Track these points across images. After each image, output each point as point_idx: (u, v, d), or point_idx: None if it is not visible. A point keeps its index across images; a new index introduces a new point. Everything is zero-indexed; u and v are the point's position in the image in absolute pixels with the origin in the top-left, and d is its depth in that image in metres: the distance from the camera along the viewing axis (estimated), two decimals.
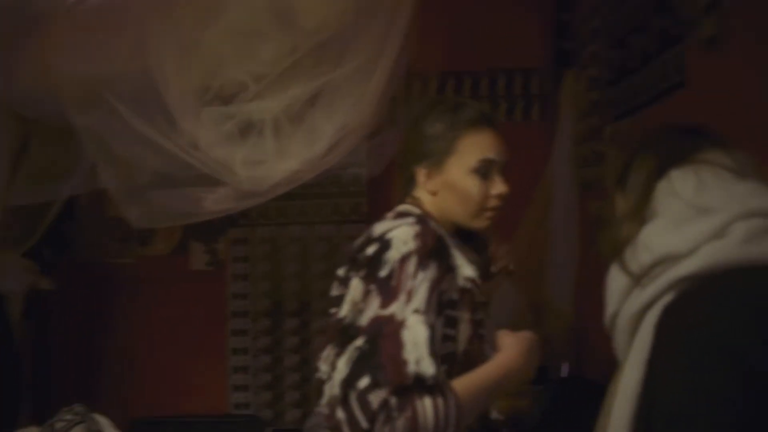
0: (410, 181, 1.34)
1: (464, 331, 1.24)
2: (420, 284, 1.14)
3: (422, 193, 1.33)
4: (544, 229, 3.12)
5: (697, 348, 0.82)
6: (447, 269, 1.20)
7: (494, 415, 1.31)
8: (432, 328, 1.13)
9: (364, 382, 1.06)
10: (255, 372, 3.25)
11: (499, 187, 1.29)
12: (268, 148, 1.61)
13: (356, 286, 1.20)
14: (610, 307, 1.00)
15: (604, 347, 3.01)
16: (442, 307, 1.19)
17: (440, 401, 1.08)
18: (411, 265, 1.15)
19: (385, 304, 1.13)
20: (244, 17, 1.54)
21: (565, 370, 3.00)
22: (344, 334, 1.19)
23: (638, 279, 0.92)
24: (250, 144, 1.62)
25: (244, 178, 1.62)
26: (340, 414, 1.07)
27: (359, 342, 1.12)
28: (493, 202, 1.30)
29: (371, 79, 1.60)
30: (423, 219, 1.25)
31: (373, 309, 1.14)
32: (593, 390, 2.69)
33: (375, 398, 1.05)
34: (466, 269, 1.24)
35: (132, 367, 3.13)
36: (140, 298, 3.18)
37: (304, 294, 3.27)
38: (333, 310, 1.29)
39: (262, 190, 1.66)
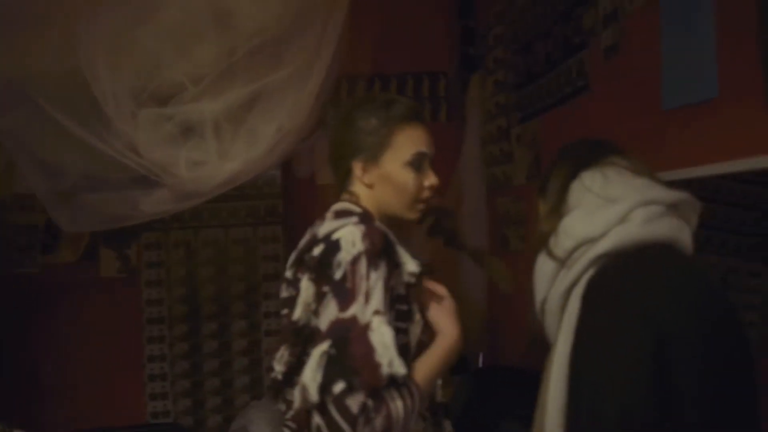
0: (346, 177, 1.36)
1: (417, 322, 1.27)
2: (374, 284, 1.16)
3: (359, 187, 1.35)
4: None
5: (612, 308, 1.00)
6: (394, 266, 1.23)
7: (439, 398, 1.38)
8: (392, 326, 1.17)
9: (339, 387, 1.08)
10: (173, 379, 3.18)
11: (431, 179, 1.35)
12: (209, 149, 1.60)
13: (307, 287, 1.22)
14: (539, 294, 1.16)
15: (515, 336, 3.21)
16: (392, 302, 1.22)
17: (407, 396, 1.14)
18: (362, 266, 1.16)
19: (343, 307, 1.14)
20: (181, 18, 1.52)
21: (481, 359, 3.16)
22: (298, 335, 1.22)
23: (563, 262, 1.10)
24: (191, 145, 1.61)
25: (187, 179, 1.61)
26: (318, 420, 1.09)
27: (324, 346, 1.13)
28: (425, 194, 1.35)
29: (308, 83, 1.63)
30: (365, 217, 1.28)
31: (331, 312, 1.15)
32: (508, 375, 2.87)
33: (353, 402, 1.07)
34: (410, 265, 1.27)
35: (44, 381, 2.98)
36: (49, 308, 3.03)
37: (222, 297, 3.23)
38: (284, 311, 1.30)
39: (205, 191, 1.66)
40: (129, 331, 3.16)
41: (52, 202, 1.71)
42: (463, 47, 3.39)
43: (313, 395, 1.10)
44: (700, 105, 1.54)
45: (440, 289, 1.31)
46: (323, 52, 1.62)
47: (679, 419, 0.95)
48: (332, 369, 1.10)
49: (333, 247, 1.20)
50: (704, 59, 1.49)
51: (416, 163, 1.33)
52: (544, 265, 1.15)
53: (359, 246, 1.18)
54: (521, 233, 2.81)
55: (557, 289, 1.11)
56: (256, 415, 2.82)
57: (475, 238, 3.22)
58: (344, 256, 1.18)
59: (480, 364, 3.16)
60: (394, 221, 1.36)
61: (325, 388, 1.09)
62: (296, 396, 1.17)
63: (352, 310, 1.13)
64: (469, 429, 1.96)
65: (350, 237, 1.19)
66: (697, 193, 1.52)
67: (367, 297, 1.15)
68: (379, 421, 1.09)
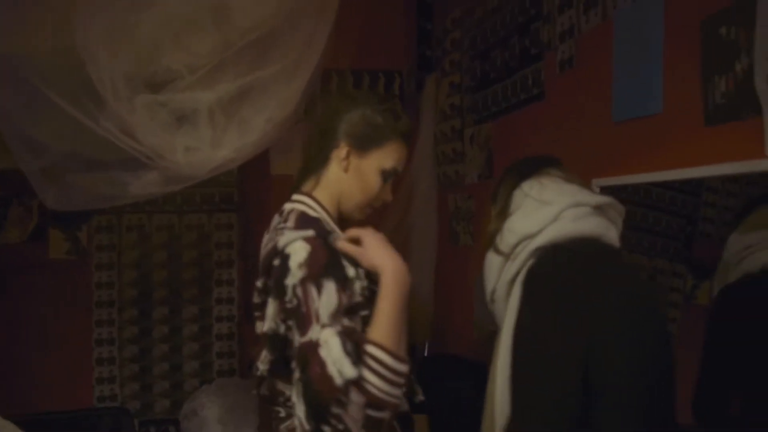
0: (322, 160, 1.44)
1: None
2: (323, 302, 1.24)
3: (332, 171, 1.43)
4: (406, 221, 3.37)
5: (548, 291, 1.19)
6: (344, 278, 1.30)
7: (418, 398, 1.50)
8: (345, 330, 1.24)
9: (321, 414, 1.20)
10: (122, 363, 3.18)
11: (388, 194, 1.48)
12: (203, 137, 1.66)
13: (271, 303, 1.32)
14: (489, 285, 1.36)
15: (460, 326, 3.37)
16: (354, 309, 1.30)
17: (376, 368, 1.21)
18: (309, 288, 1.25)
19: (303, 332, 1.24)
20: (181, 8, 1.56)
21: (426, 349, 3.30)
22: (273, 344, 1.34)
23: (508, 255, 1.30)
24: (185, 132, 1.66)
25: (182, 164, 1.66)
26: None
27: (297, 374, 1.25)
28: (377, 203, 1.48)
29: (296, 77, 1.71)
30: (319, 229, 1.34)
31: (297, 338, 1.26)
32: (453, 364, 3.01)
33: (334, 410, 1.20)
34: (357, 282, 1.34)
35: None
36: None
37: (174, 282, 3.25)
38: (257, 314, 1.40)
39: (199, 176, 1.71)
40: (77, 315, 3.13)
41: (39, 180, 1.72)
42: (420, 48, 3.51)
43: (305, 425, 1.23)
44: (646, 119, 1.70)
45: (360, 231, 1.35)
46: (312, 49, 1.71)
47: (599, 413, 1.10)
48: (307, 396, 1.21)
49: (284, 267, 1.29)
50: (651, 78, 1.66)
51: (387, 175, 1.45)
52: (492, 260, 1.34)
53: (304, 270, 1.26)
54: (470, 229, 2.96)
55: (503, 279, 1.30)
56: (206, 399, 2.88)
57: (426, 232, 3.35)
58: (291, 280, 1.27)
59: (426, 353, 3.30)
60: (343, 217, 1.46)
61: (313, 417, 1.21)
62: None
63: (309, 335, 1.23)
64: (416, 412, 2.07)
65: (297, 258, 1.28)
66: (631, 198, 1.70)
67: (318, 316, 1.23)
68: (356, 411, 1.20)
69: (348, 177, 1.43)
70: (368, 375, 1.21)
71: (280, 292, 1.29)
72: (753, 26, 1.32)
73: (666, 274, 1.76)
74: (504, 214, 1.35)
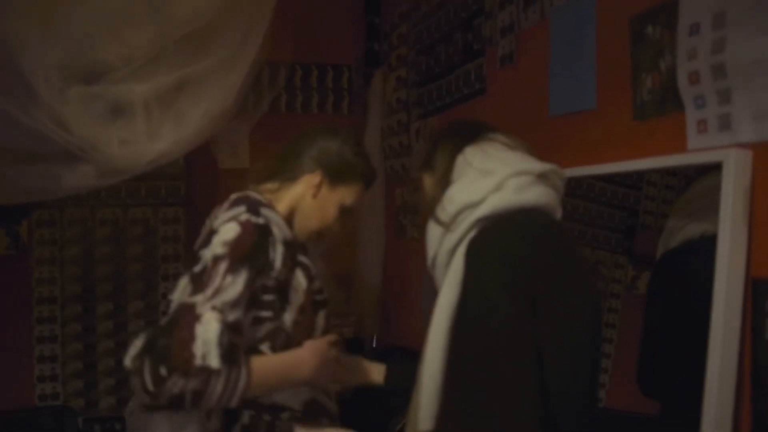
0: (291, 177, 1.49)
1: (293, 307, 1.40)
2: (227, 286, 1.25)
3: (298, 191, 1.49)
4: (353, 213, 3.39)
5: (486, 261, 1.16)
6: (264, 267, 1.33)
7: (322, 398, 1.51)
8: (230, 324, 1.24)
9: (154, 355, 1.17)
10: (65, 360, 3.11)
11: (338, 227, 1.54)
12: (138, 129, 1.63)
13: (185, 276, 1.32)
14: (431, 251, 1.33)
15: (407, 319, 3.40)
16: (257, 296, 1.33)
17: (222, 380, 1.22)
18: (222, 266, 1.27)
19: (191, 294, 1.25)
20: (118, 1, 1.54)
21: (374, 340, 3.33)
22: None
23: (448, 225, 1.27)
24: (120, 124, 1.63)
25: (117, 157, 1.63)
26: (135, 382, 1.19)
27: (160, 325, 1.24)
28: (326, 232, 1.53)
29: (234, 70, 1.71)
30: (254, 208, 1.36)
31: (183, 297, 1.26)
32: (401, 355, 3.05)
33: (153, 374, 1.16)
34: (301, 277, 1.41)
35: None
36: None
37: (119, 277, 3.19)
38: None
39: (134, 169, 1.69)
40: (17, 311, 3.04)
41: None
42: (367, 43, 3.52)
43: (127, 360, 1.20)
44: (581, 114, 1.76)
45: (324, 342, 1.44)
46: (249, 43, 1.70)
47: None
48: (151, 340, 1.19)
49: (208, 241, 1.31)
50: (585, 75, 1.72)
51: (345, 212, 1.53)
52: (432, 229, 1.31)
53: (225, 248, 1.28)
54: (417, 222, 3.00)
55: (444, 247, 1.27)
56: None
57: (374, 226, 3.37)
58: (208, 253, 1.29)
59: (374, 345, 3.33)
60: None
61: (141, 356, 1.18)
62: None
63: (195, 299, 1.24)
64: (363, 405, 2.10)
65: (224, 236, 1.30)
66: (574, 191, 1.75)
67: (214, 294, 1.24)
68: (189, 396, 1.18)
69: (312, 202, 1.49)
70: (219, 382, 1.21)
71: (194, 261, 1.30)
72: (676, 26, 1.38)
73: (607, 265, 1.80)
74: (445, 181, 1.30)
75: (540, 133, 1.95)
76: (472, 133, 1.34)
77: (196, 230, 1.39)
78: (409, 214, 3.09)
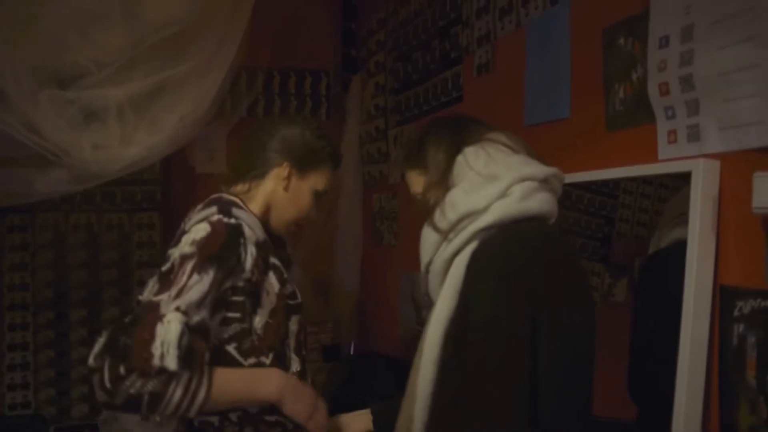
0: (259, 175, 1.48)
1: (265, 308, 1.38)
2: (192, 285, 1.23)
3: (268, 186, 1.47)
4: (331, 220, 3.39)
5: (489, 276, 1.11)
6: (234, 267, 1.31)
7: None
8: (193, 326, 1.22)
9: (115, 353, 1.16)
10: (36, 368, 3.06)
11: (314, 214, 1.54)
12: (112, 134, 1.62)
13: (154, 275, 1.30)
14: (425, 257, 1.26)
15: (384, 325, 3.39)
16: (225, 296, 1.31)
17: (182, 386, 1.20)
18: (188, 266, 1.25)
19: (156, 293, 1.23)
20: (88, 2, 1.52)
21: (352, 347, 3.33)
22: None
23: (446, 233, 1.20)
24: (94, 129, 1.62)
25: (90, 161, 1.61)
26: (94, 379, 1.16)
27: (123, 323, 1.20)
28: (303, 221, 1.53)
29: (210, 76, 1.70)
30: (225, 209, 1.35)
31: (147, 295, 1.24)
32: (378, 361, 3.05)
33: (112, 375, 1.15)
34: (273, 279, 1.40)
35: None
36: None
37: (93, 284, 3.15)
38: None
39: (107, 174, 1.67)
40: None
41: None
42: (345, 49, 3.53)
43: (90, 358, 1.18)
44: (555, 123, 1.78)
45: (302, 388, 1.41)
46: (225, 49, 1.70)
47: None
48: (112, 339, 1.17)
49: (178, 240, 1.31)
50: (560, 86, 1.74)
51: (319, 197, 1.52)
52: (429, 235, 1.24)
53: (193, 248, 1.27)
54: (393, 229, 3.01)
55: (441, 256, 1.21)
56: None
57: (351, 232, 3.38)
58: (176, 252, 1.28)
59: (351, 351, 3.33)
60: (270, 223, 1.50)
61: (102, 354, 1.16)
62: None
63: (160, 297, 1.21)
64: (342, 409, 2.11)
65: (193, 235, 1.29)
66: None
67: (179, 293, 1.22)
68: (146, 397, 1.16)
69: (285, 195, 1.48)
70: (178, 387, 1.20)
71: (164, 261, 1.28)
72: (647, 38, 1.40)
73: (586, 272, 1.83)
74: (444, 183, 1.23)
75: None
76: (467, 130, 1.27)
77: (171, 236, 1.38)
78: (386, 219, 3.10)
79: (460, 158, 1.23)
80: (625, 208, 1.73)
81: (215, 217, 1.33)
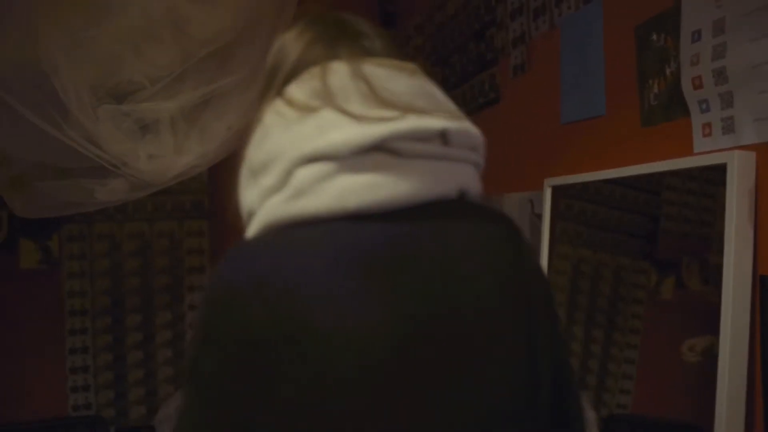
0: None
1: None
2: None
3: None
4: None
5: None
6: None
7: None
8: None
9: None
10: (96, 371, 3.21)
11: None
12: (166, 144, 1.72)
13: None
14: None
15: None
16: None
17: None
18: None
19: None
20: (141, 22, 1.62)
21: None
22: None
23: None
24: (148, 140, 1.72)
25: (145, 171, 1.71)
26: None
27: None
28: None
29: (254, 86, 1.78)
30: None
31: None
32: None
33: None
34: None
35: None
36: None
37: (146, 290, 3.28)
38: None
39: (161, 182, 1.77)
40: (50, 324, 3.15)
41: (7, 189, 1.77)
42: None
43: None
44: (591, 121, 1.80)
45: None
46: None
47: None
48: None
49: None
50: (595, 84, 1.76)
51: None
52: None
53: None
54: None
55: None
56: None
57: None
58: None
59: None
60: None
61: None
62: None
63: None
64: None
65: None
66: (593, 197, 1.78)
67: None
68: None
69: None
70: None
71: None
72: (679, 33, 1.42)
73: (629, 271, 1.79)
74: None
75: (553, 140, 1.99)
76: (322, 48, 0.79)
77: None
78: None
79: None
80: (670, 204, 1.72)
81: None
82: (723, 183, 1.31)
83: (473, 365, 0.66)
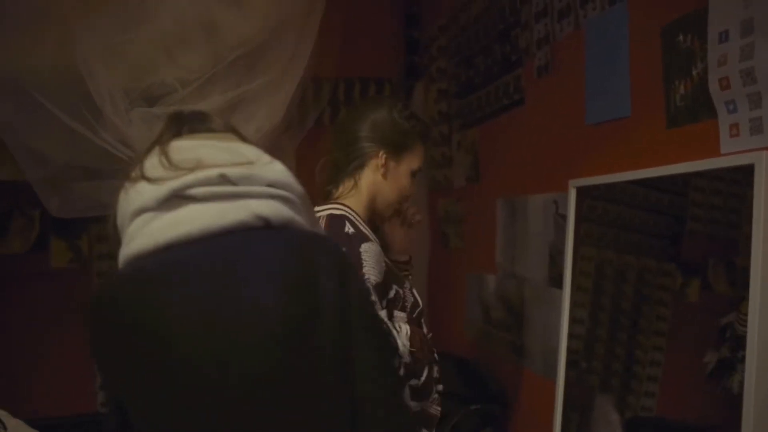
0: (357, 167, 1.55)
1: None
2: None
3: (367, 176, 1.55)
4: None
5: None
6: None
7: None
8: None
9: None
10: None
11: (414, 190, 1.62)
12: None
13: None
14: None
15: (450, 326, 3.39)
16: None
17: None
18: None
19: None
20: (173, 27, 1.67)
21: None
22: None
23: None
24: None
25: None
26: None
27: None
28: (405, 200, 1.61)
29: (282, 88, 1.82)
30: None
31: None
32: (444, 360, 3.06)
33: None
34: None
35: None
36: None
37: None
38: None
39: None
40: (80, 322, 3.19)
41: (43, 189, 1.82)
42: (408, 56, 3.61)
43: None
44: (616, 122, 1.80)
45: None
46: (296, 63, 1.81)
47: None
48: None
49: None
50: (620, 85, 1.76)
51: (415, 174, 1.59)
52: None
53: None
54: (460, 232, 3.05)
55: None
56: None
57: (418, 236, 3.43)
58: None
59: None
60: (373, 217, 1.57)
61: None
62: None
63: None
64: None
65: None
66: (618, 198, 1.77)
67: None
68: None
69: (385, 182, 1.56)
70: None
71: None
72: (706, 34, 1.41)
73: (654, 272, 1.79)
74: None
75: (578, 141, 1.99)
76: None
77: None
78: (452, 223, 3.15)
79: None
80: (696, 206, 1.70)
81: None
82: (750, 184, 1.30)
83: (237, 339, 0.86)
